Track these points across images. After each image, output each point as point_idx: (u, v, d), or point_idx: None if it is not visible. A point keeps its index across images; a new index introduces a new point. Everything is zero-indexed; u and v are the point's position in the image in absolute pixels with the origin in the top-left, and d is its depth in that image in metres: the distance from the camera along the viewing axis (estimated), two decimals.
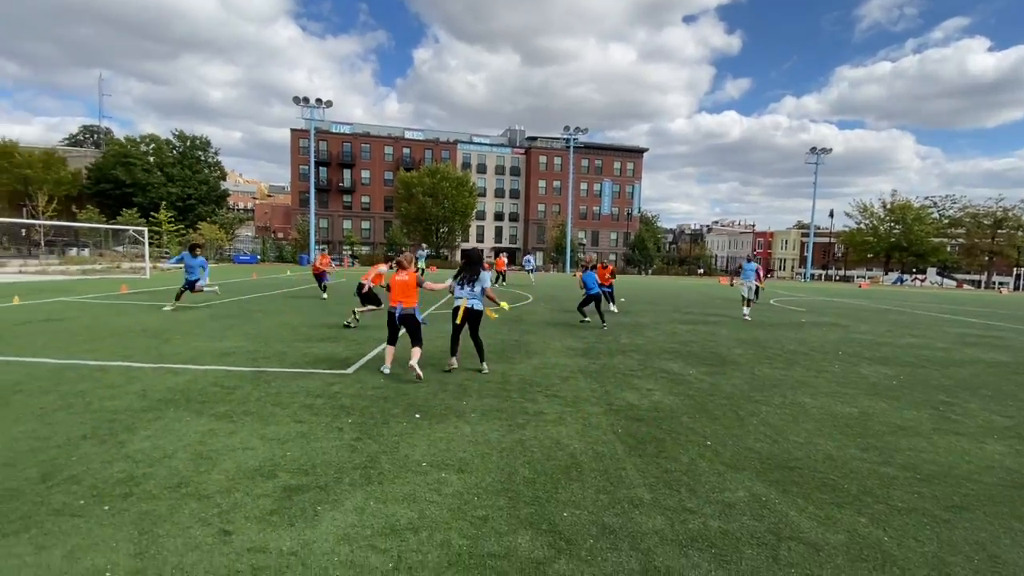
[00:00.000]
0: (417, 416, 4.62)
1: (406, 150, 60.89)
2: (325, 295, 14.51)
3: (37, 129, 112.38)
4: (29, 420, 4.18)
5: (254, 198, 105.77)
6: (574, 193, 53.74)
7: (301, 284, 20.14)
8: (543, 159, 65.06)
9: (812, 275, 56.37)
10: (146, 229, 24.58)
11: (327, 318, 10.76)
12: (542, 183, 64.95)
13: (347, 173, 59.21)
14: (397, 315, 5.94)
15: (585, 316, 11.06)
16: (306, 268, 36.98)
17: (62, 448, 3.64)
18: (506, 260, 26.03)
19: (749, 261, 12.98)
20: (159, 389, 5.13)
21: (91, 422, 4.15)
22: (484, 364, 6.30)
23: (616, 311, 12.25)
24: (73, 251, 35.20)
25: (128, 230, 29.17)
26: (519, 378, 6.13)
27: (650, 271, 57.06)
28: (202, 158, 54.73)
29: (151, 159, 50.96)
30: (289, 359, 6.67)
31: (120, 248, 39.00)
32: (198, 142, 54.29)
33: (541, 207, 64.96)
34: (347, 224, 59.14)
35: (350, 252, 50.11)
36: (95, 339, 7.57)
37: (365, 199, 60.01)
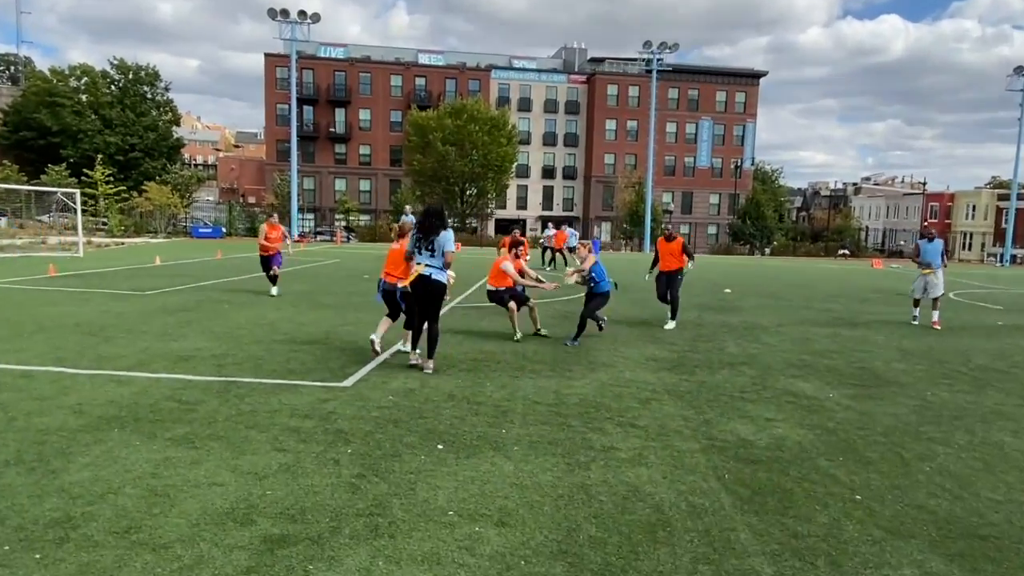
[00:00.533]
0: (440, 447, 4.67)
1: (420, 80, 61.54)
2: (275, 290, 12.97)
3: None
4: None
5: (216, 149, 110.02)
6: (657, 139, 52.75)
7: (288, 264, 20.78)
8: (612, 90, 64.11)
9: (1014, 257, 53.39)
10: (78, 192, 25.98)
11: (318, 312, 11.07)
12: (610, 125, 64.11)
13: (340, 114, 60.52)
14: (399, 293, 7.19)
15: (601, 324, 9.40)
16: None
17: None
18: (573, 233, 25.82)
19: (928, 239, 12.01)
20: (99, 403, 5.42)
21: (15, 444, 4.42)
22: (430, 363, 6.86)
23: (673, 325, 10.46)
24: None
25: (55, 192, 30.92)
26: (579, 398, 6.11)
27: (768, 250, 55.58)
28: (148, 96, 57.26)
29: (83, 98, 53.74)
30: (267, 366, 6.89)
31: (45, 217, 41.50)
32: (143, 74, 56.80)
33: (608, 159, 64.20)
34: (340, 184, 60.64)
35: (344, 224, 51.39)
36: (17, 336, 8.08)
37: (364, 150, 61.22)
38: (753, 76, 66.39)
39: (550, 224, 27.01)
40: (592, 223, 62.79)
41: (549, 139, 64.69)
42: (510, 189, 58.49)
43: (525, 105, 63.51)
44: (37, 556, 3.04)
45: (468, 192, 51.72)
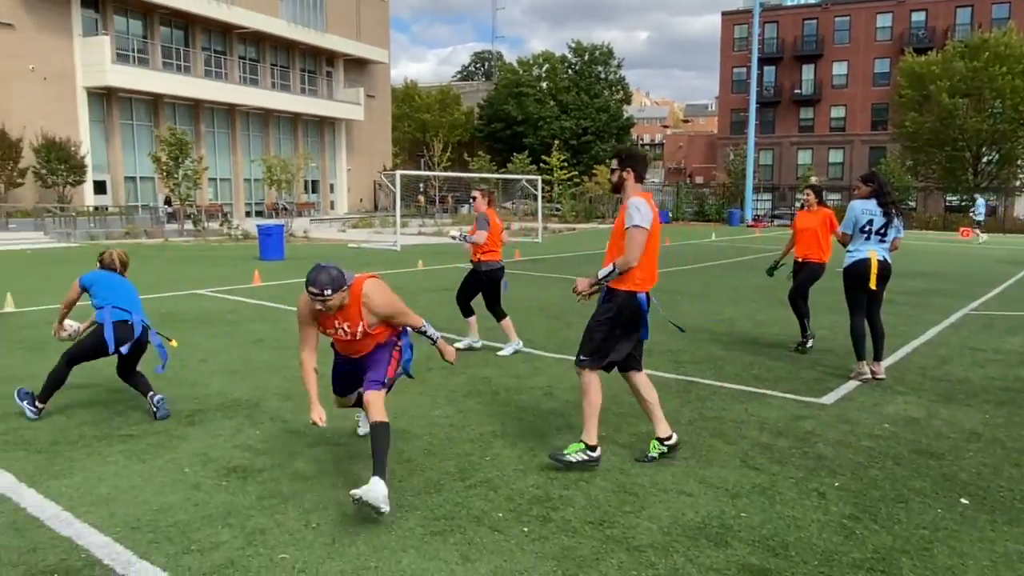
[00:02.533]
0: (964, 502, 4.08)
1: (917, 16, 54.96)
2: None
3: (430, 65, 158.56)
4: (445, 403, 5.85)
5: (664, 126, 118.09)
6: None
7: (737, 253, 21.25)
8: None
9: None
10: (539, 179, 30.91)
11: (779, 311, 10.92)
12: None
13: (808, 72, 58.39)
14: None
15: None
16: (738, 229, 38.75)
17: (475, 443, 4.91)
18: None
19: None
20: (565, 387, 6.30)
21: (500, 417, 5.46)
22: (881, 367, 6.60)
23: None
24: (464, 208, 47.85)
25: (520, 180, 37.35)
26: None
27: None
28: (601, 75, 64.70)
29: (543, 85, 63.73)
30: (728, 369, 7.06)
31: (509, 204, 50.70)
32: (598, 54, 64.42)
33: None
34: (804, 156, 58.60)
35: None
36: (488, 316, 9.99)
37: (837, 112, 57.84)
38: None
39: None
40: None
41: None
42: None
43: None
44: (525, 529, 3.67)
45: (986, 158, 44.22)
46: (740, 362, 7.36)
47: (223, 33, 39.31)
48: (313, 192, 46.23)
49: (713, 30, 65.86)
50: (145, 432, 5.05)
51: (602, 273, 4.45)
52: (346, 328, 4.08)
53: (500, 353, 7.63)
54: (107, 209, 31.10)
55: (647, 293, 4.50)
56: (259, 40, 41.34)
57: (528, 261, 18.55)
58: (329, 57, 46.60)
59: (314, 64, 46.01)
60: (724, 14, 60.00)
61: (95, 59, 31.68)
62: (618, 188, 4.58)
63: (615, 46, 70.65)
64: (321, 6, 44.10)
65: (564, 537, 3.59)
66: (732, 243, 26.81)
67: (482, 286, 7.72)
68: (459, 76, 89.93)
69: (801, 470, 4.50)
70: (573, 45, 65.09)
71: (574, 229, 37.25)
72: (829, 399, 6.06)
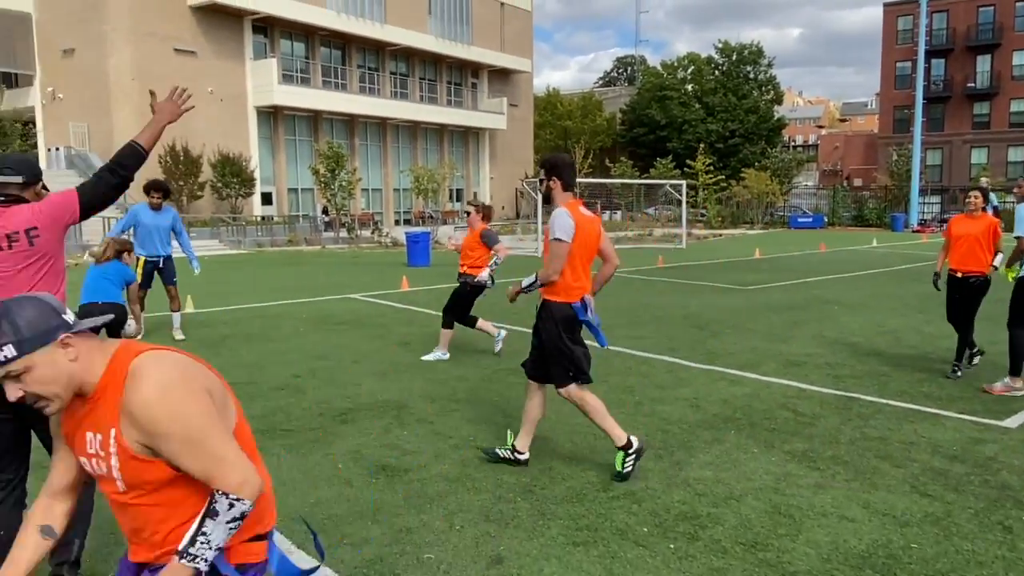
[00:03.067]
0: None
1: None
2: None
3: (571, 72, 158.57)
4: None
5: (819, 126, 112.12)
6: None
7: (902, 260, 19.77)
8: None
9: None
10: (684, 183, 30.19)
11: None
12: None
13: (983, 63, 53.46)
14: None
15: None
16: (902, 234, 36.08)
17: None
18: None
19: None
20: (713, 400, 6.07)
21: (644, 428, 5.31)
22: (1019, 382, 6.14)
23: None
24: (605, 215, 47.59)
25: (664, 185, 36.68)
26: None
27: None
28: (750, 75, 62.38)
29: (688, 88, 62.27)
30: (894, 386, 6.55)
31: (651, 210, 49.88)
32: (747, 53, 62.15)
33: None
34: (978, 156, 53.66)
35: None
36: (637, 323, 9.84)
37: (1017, 107, 52.55)
38: None
39: None
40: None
41: None
42: None
43: None
44: (671, 546, 3.54)
45: None
46: (907, 378, 6.80)
47: (376, 50, 41.31)
48: (457, 200, 47.58)
49: (873, 23, 61.86)
50: (303, 428, 5.34)
51: (526, 282, 4.50)
52: (97, 447, 1.80)
53: (425, 358, 7.58)
54: (272, 219, 33.46)
55: (583, 300, 4.36)
56: (409, 55, 43.10)
57: (671, 268, 18.13)
58: (474, 69, 47.84)
59: (460, 76, 47.39)
60: (886, 5, 56.12)
61: (264, 80, 34.25)
62: (547, 198, 4.50)
63: (765, 44, 67.85)
64: (467, 20, 45.37)
65: (713, 557, 3.43)
66: (895, 249, 24.97)
67: (467, 296, 7.60)
68: (601, 82, 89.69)
69: (981, 500, 4.08)
70: (720, 45, 63.25)
71: (719, 235, 36.07)
72: (1013, 422, 5.47)
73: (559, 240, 4.26)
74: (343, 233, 30.40)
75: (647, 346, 8.28)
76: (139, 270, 8.08)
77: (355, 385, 6.58)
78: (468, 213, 7.89)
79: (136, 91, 29.18)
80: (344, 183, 30.15)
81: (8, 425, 2.79)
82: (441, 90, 45.73)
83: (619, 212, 51.03)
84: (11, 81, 34.12)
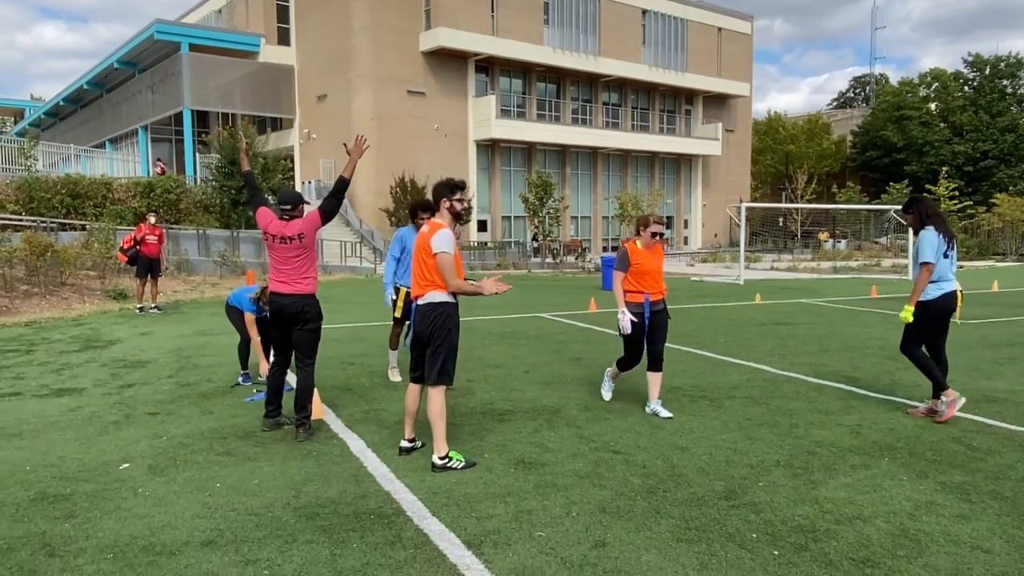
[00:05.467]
0: None
1: None
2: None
3: (802, 95, 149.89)
4: (736, 428, 5.82)
5: None
6: None
7: None
8: None
9: None
10: None
11: None
12: None
13: None
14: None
15: None
16: None
17: (753, 468, 4.85)
18: None
19: None
20: (879, 428, 5.82)
21: (790, 448, 5.27)
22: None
23: None
24: (828, 243, 44.65)
25: (889, 211, 33.89)
26: None
27: None
28: (1007, 90, 55.67)
29: (931, 106, 56.83)
30: None
31: (883, 239, 45.98)
32: (1003, 66, 55.64)
33: None
34: None
35: None
36: (823, 351, 9.46)
37: None
38: None
39: None
40: None
41: None
42: None
43: None
44: (775, 552, 3.60)
45: None
46: None
47: (590, 83, 42.51)
48: (667, 228, 47.27)
49: None
50: (464, 423, 5.94)
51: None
52: None
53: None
54: (487, 244, 35.53)
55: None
56: (622, 85, 43.83)
57: (884, 299, 16.88)
58: (688, 95, 47.47)
59: (673, 103, 47.25)
60: None
61: (483, 116, 36.66)
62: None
63: None
64: (683, 47, 45.22)
65: (815, 567, 3.45)
66: None
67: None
68: (835, 104, 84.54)
69: None
70: (970, 59, 57.19)
71: (960, 267, 32.43)
72: None
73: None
74: (549, 258, 31.54)
75: (824, 373, 8.00)
76: (400, 302, 7.12)
77: (519, 391, 7.10)
78: (661, 235, 7.46)
79: (375, 129, 32.59)
80: (552, 210, 31.33)
81: (287, 337, 5.59)
82: (653, 118, 45.90)
83: (844, 240, 47.72)
84: (276, 125, 39.61)
